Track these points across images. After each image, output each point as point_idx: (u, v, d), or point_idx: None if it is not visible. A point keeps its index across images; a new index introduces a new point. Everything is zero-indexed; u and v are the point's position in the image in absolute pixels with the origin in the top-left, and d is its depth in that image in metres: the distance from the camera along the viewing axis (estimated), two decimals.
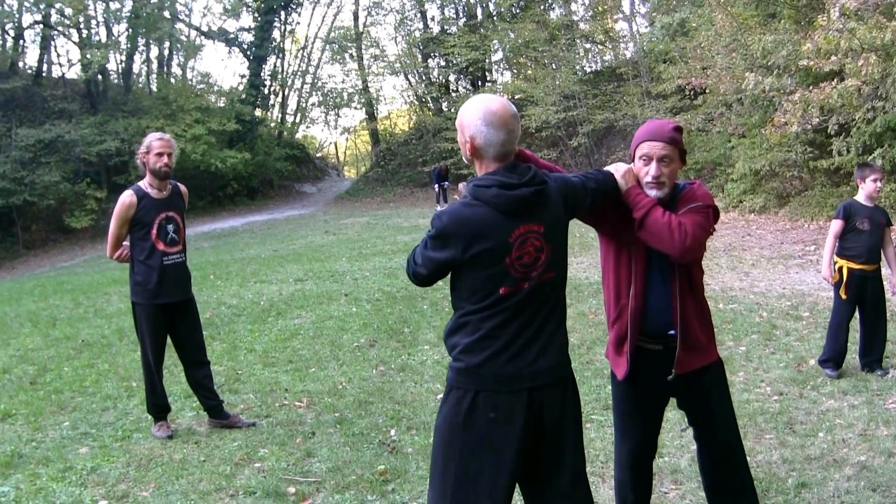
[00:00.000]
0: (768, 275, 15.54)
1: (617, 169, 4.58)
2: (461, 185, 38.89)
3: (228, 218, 44.23)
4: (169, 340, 8.38)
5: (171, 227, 8.09)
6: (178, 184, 8.37)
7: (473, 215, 3.90)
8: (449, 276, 4.10)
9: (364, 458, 7.30)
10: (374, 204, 45.22)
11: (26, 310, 18.16)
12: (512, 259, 3.91)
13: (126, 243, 8.11)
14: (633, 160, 4.71)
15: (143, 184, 8.07)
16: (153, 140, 8.01)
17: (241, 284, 18.53)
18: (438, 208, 37.18)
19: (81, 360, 11.94)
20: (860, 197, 9.11)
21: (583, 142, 37.76)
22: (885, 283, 9.20)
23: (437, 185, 40.33)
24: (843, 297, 9.06)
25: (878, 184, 8.97)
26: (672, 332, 4.63)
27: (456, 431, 3.99)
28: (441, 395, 8.24)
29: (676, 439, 7.28)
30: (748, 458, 6.63)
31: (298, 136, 64.54)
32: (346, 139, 76.85)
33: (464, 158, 4.18)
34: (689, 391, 4.76)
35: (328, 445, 7.69)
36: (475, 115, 3.99)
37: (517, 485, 4.15)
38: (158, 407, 8.33)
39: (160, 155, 7.97)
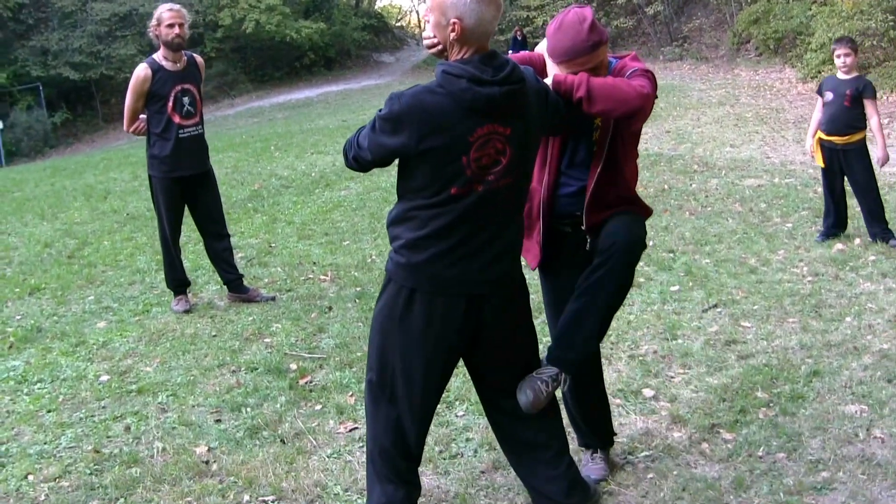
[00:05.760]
0: None
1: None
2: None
3: (305, 88, 43.93)
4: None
5: (186, 100, 7.92)
6: (195, 55, 8.18)
7: (434, 104, 3.59)
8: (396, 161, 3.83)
9: None
10: None
11: (84, 183, 18.25)
12: (469, 159, 3.64)
13: (143, 116, 7.98)
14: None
15: (158, 56, 7.90)
16: (163, 11, 7.81)
17: (297, 156, 18.41)
18: None
19: (122, 234, 11.96)
20: (837, 71, 9.13)
21: (660, 9, 36.62)
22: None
23: (513, 53, 39.61)
24: (821, 165, 9.23)
25: (844, 59, 8.91)
26: (579, 212, 4.31)
27: (393, 325, 3.88)
28: None
29: (695, 320, 7.01)
30: (766, 343, 6.42)
31: (380, 5, 63.88)
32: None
33: (428, 47, 3.79)
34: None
35: (342, 321, 7.56)
36: None
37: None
38: (177, 281, 8.27)
39: (171, 26, 7.77)
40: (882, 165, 9.08)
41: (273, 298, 8.33)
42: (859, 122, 8.91)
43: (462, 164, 3.63)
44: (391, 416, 3.99)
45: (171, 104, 7.84)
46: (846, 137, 8.91)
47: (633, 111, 3.99)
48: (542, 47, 4.23)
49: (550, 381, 4.10)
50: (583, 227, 4.27)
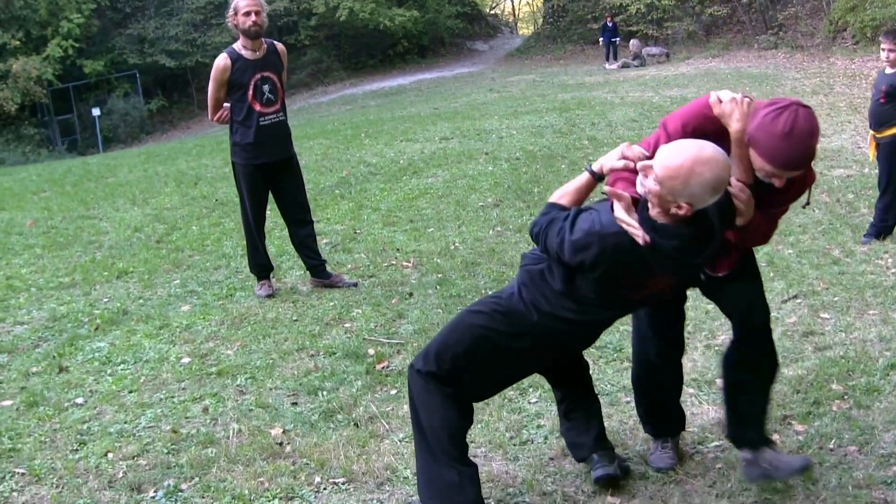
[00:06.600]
0: None
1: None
2: (633, 43, 38.04)
3: (398, 76, 44.13)
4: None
5: (266, 87, 7.99)
6: (276, 42, 8.26)
7: (630, 261, 3.69)
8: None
9: None
10: (544, 61, 44.40)
11: (176, 169, 18.53)
12: (636, 292, 3.90)
13: (227, 105, 8.08)
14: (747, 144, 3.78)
15: (237, 46, 7.99)
16: (240, 0, 7.88)
17: (386, 143, 18.46)
18: (607, 66, 36.37)
19: (211, 219, 12.15)
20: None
21: None
22: None
23: (604, 41, 39.35)
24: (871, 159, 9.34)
25: (888, 53, 8.70)
26: None
27: (503, 340, 4.05)
28: None
29: (773, 311, 6.81)
30: (844, 335, 6.33)
31: None
32: None
33: (651, 200, 3.58)
34: None
35: (421, 307, 7.61)
36: (706, 186, 3.47)
37: None
38: (260, 266, 8.37)
39: (248, 14, 7.82)
40: None
41: (355, 284, 8.40)
42: (891, 119, 8.65)
43: (627, 292, 3.89)
44: (449, 408, 4.15)
45: (251, 92, 7.92)
46: (880, 132, 8.78)
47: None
48: (736, 118, 3.79)
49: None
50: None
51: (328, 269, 8.57)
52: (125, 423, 5.68)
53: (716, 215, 3.61)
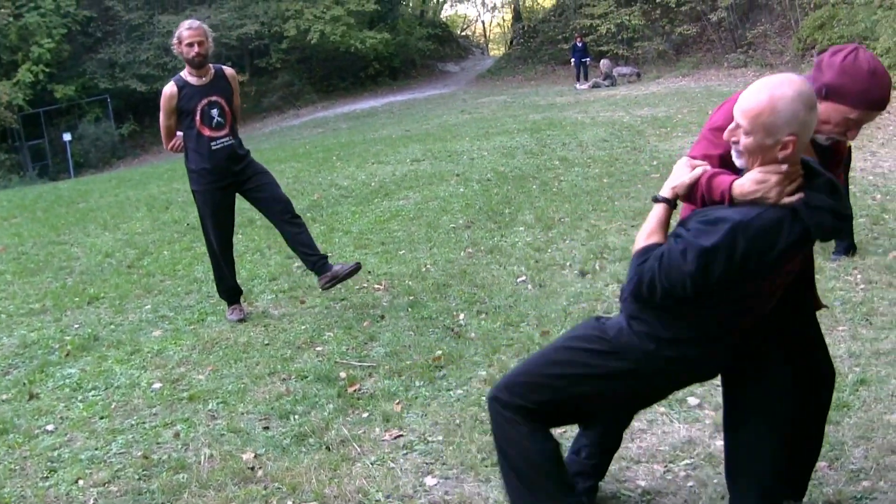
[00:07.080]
0: None
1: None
2: (603, 63, 38.22)
3: (370, 98, 44.24)
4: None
5: (215, 112, 7.96)
6: (224, 67, 8.24)
7: (780, 235, 3.26)
8: None
9: (425, 342, 7.18)
10: (515, 82, 44.60)
11: (147, 194, 18.50)
12: (770, 283, 3.49)
13: (180, 133, 8.08)
14: (821, 96, 3.57)
15: (184, 73, 7.99)
16: (183, 30, 7.88)
17: (358, 166, 18.47)
18: (578, 86, 36.47)
19: (182, 244, 12.11)
20: None
21: (724, 16, 36.47)
22: None
23: (575, 61, 39.45)
24: None
25: None
26: None
27: (609, 384, 3.69)
28: (522, 279, 8.08)
29: None
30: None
31: (447, 13, 64.12)
32: (492, 17, 76.30)
33: (756, 163, 3.35)
34: None
35: (393, 330, 7.60)
36: (794, 103, 3.21)
37: None
38: (229, 291, 8.37)
39: (191, 45, 7.82)
40: None
41: (358, 265, 8.32)
42: None
43: (762, 288, 3.49)
44: (538, 441, 3.80)
45: (198, 118, 7.91)
46: None
47: None
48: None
49: None
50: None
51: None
52: (96, 449, 5.66)
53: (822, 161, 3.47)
